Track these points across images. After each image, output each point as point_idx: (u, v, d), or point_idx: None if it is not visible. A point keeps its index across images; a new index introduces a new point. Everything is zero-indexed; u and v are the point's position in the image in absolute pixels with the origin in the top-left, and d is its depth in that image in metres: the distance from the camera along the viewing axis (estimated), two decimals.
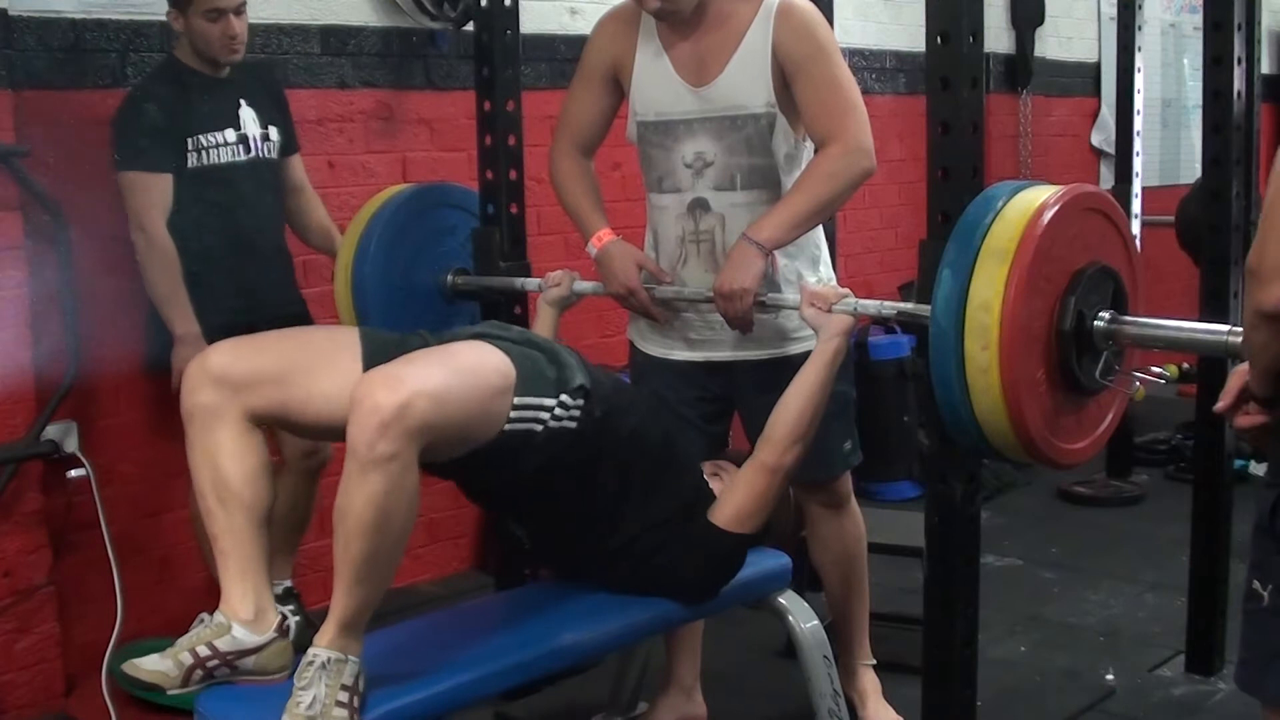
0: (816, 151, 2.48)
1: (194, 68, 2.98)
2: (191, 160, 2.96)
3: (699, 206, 2.55)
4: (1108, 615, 3.59)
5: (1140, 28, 4.75)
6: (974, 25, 2.15)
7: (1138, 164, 4.81)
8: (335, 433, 1.93)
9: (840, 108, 2.43)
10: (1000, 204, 2.04)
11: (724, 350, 2.61)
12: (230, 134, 3.01)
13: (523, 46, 3.06)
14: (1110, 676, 3.17)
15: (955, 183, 2.17)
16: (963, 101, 2.15)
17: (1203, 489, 3.15)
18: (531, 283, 2.85)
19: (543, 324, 2.71)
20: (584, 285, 2.73)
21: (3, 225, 2.82)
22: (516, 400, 1.99)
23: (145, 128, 2.90)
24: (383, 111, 3.65)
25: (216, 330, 2.97)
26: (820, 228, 2.63)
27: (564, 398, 2.06)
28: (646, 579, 2.27)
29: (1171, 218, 4.71)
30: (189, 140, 2.95)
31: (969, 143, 2.17)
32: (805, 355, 2.40)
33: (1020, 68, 5.60)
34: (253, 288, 3.06)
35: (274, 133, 3.11)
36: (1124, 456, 4.88)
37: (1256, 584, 1.70)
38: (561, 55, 4.04)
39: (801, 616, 2.46)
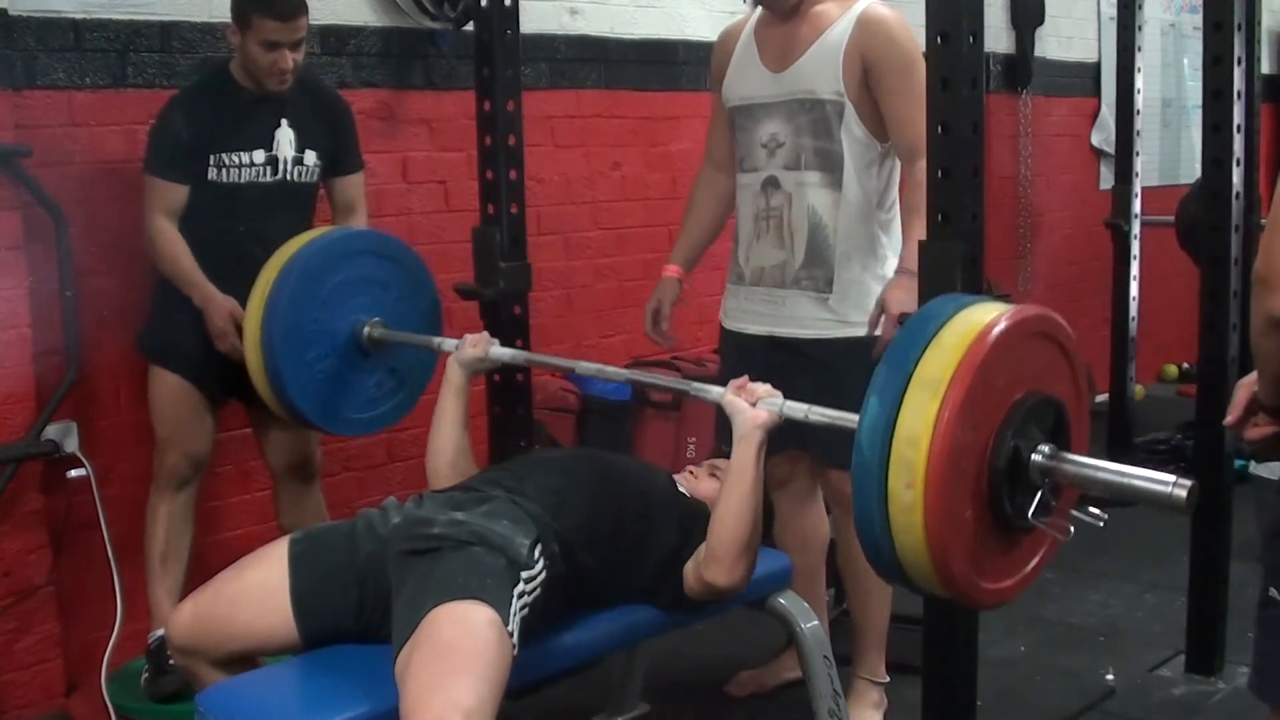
0: (902, 162, 2.66)
1: (241, 84, 2.96)
2: (211, 175, 2.95)
3: (770, 184, 2.75)
4: (1108, 615, 3.60)
5: (1140, 28, 4.76)
6: (974, 25, 2.14)
7: (1138, 164, 4.82)
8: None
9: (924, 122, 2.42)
10: (937, 326, 1.82)
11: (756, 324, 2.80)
12: (259, 155, 2.98)
13: (523, 46, 3.05)
14: (1110, 676, 3.18)
15: (955, 183, 2.16)
16: (963, 101, 2.14)
17: (1203, 489, 3.15)
18: (449, 343, 2.70)
19: (450, 385, 2.57)
20: (500, 352, 2.63)
21: (3, 225, 2.82)
22: (509, 629, 1.93)
23: (171, 138, 2.91)
24: (383, 111, 3.65)
25: (203, 346, 2.94)
26: (890, 243, 2.72)
27: (524, 576, 2.03)
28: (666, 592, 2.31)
29: (1171, 218, 4.72)
30: (211, 156, 2.93)
31: (969, 143, 2.16)
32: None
33: (1020, 68, 5.60)
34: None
35: (310, 156, 3.05)
36: (1124, 457, 4.88)
37: (1273, 591, 1.68)
38: (561, 55, 4.04)
39: (801, 616, 2.47)
